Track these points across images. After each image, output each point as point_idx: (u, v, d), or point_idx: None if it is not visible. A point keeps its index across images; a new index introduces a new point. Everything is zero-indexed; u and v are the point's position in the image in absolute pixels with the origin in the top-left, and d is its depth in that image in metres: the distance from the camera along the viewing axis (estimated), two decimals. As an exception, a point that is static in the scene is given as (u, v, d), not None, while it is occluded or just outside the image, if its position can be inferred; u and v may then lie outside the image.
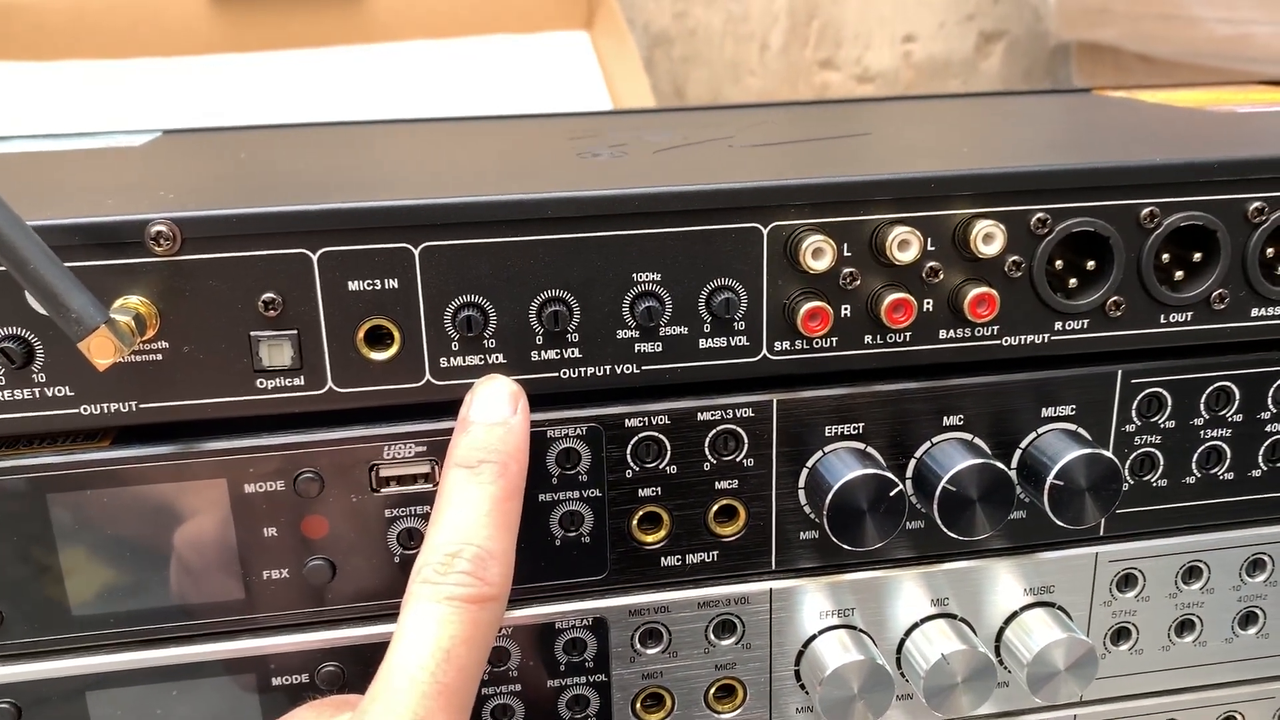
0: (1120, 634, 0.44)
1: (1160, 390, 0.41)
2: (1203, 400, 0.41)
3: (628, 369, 0.37)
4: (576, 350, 0.37)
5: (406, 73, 0.94)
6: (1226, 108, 0.51)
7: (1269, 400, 0.41)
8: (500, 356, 0.36)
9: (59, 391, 0.35)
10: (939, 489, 0.38)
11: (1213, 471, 0.42)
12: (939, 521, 0.38)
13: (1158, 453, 0.41)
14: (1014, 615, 0.42)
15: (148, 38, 0.93)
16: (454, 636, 0.31)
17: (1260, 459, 0.42)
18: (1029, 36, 1.25)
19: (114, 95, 0.88)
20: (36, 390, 0.35)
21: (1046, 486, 0.38)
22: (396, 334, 0.36)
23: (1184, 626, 0.44)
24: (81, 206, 0.35)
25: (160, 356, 0.35)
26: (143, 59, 0.92)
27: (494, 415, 0.35)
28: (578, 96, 0.93)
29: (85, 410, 0.35)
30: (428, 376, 0.36)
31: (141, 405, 0.35)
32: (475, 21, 1.00)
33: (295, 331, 0.35)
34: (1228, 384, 0.41)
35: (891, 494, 0.37)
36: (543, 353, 0.37)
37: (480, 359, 0.36)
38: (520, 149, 0.49)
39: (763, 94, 1.18)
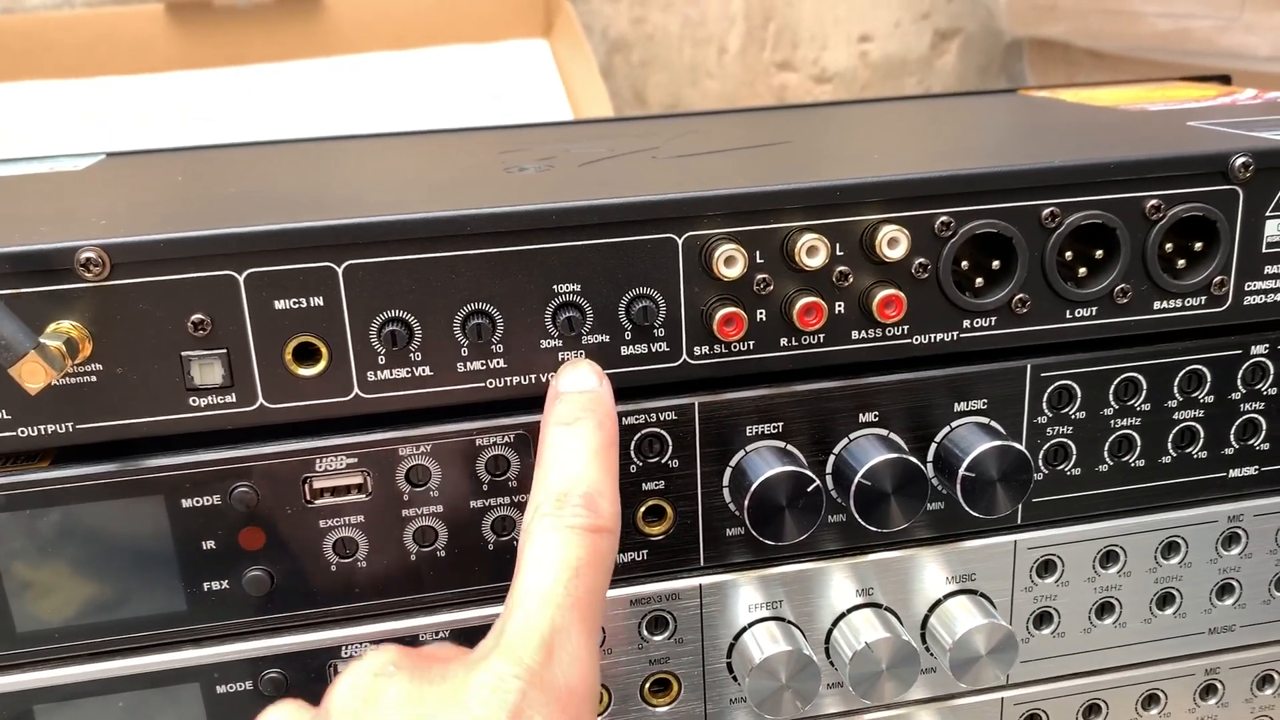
0: (1042, 618, 0.45)
1: (1069, 383, 0.42)
2: (1111, 391, 0.43)
3: (553, 377, 0.39)
4: (501, 361, 0.38)
5: (367, 85, 0.95)
6: (1139, 106, 0.53)
7: (1175, 389, 0.43)
8: (427, 369, 0.38)
9: (-4, 415, 0.36)
10: (854, 483, 0.39)
11: (1124, 459, 0.44)
12: (856, 515, 0.39)
13: (1070, 443, 0.43)
14: (938, 603, 0.44)
15: (107, 56, 0.94)
16: (579, 558, 0.33)
17: (1169, 445, 0.44)
18: (983, 33, 1.27)
19: (72, 115, 0.88)
20: (-27, 414, 0.36)
21: (959, 478, 0.40)
22: (324, 350, 0.37)
23: (1104, 609, 0.46)
24: (15, 235, 0.36)
25: (95, 378, 0.36)
26: (102, 78, 0.93)
27: (582, 385, 0.37)
28: (538, 105, 0.94)
29: (23, 432, 0.36)
30: (356, 390, 0.37)
31: (78, 426, 0.36)
32: (435, 32, 1.01)
33: (225, 350, 0.36)
34: (1135, 375, 0.43)
35: (809, 490, 0.39)
36: (468, 364, 0.38)
37: (407, 372, 0.38)
38: (451, 164, 0.50)
39: (722, 96, 1.20)
